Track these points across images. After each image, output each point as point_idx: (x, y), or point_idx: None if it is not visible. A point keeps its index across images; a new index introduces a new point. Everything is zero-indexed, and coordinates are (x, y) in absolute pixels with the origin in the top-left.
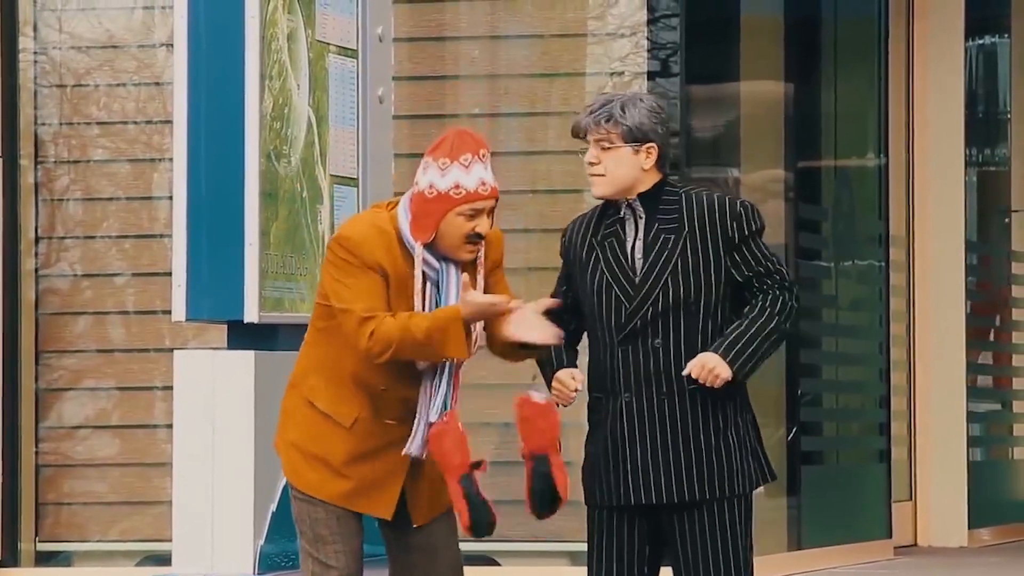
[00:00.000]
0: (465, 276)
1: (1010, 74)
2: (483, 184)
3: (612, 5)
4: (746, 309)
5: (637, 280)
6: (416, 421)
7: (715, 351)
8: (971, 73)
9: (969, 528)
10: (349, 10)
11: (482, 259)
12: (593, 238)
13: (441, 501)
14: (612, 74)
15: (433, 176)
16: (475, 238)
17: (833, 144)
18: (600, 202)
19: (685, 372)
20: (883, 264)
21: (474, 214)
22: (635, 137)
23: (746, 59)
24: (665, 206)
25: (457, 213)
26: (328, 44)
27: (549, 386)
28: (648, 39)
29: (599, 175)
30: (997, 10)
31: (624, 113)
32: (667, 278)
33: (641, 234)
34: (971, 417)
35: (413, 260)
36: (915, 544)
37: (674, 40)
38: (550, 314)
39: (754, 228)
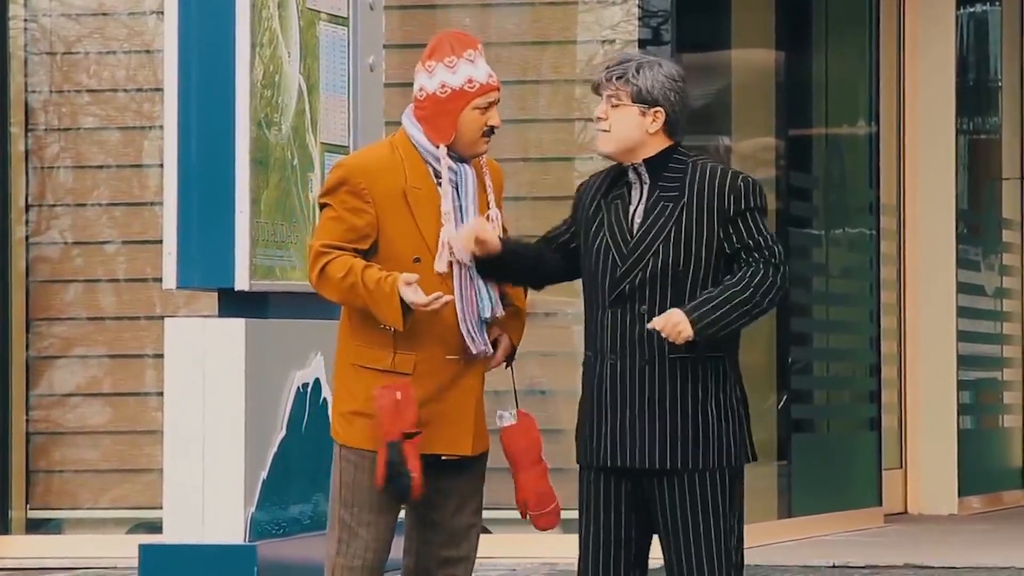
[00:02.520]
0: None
1: (1001, 42)
2: (491, 76)
3: None
4: (726, 276)
5: (631, 244)
6: (461, 322)
7: (682, 309)
8: (962, 41)
9: (959, 496)
10: None
11: (490, 186)
12: (603, 199)
13: (484, 437)
14: (603, 42)
15: (443, 75)
16: (490, 131)
17: (824, 112)
18: (615, 163)
19: (649, 325)
20: (874, 232)
21: (487, 106)
22: (643, 99)
23: (737, 27)
24: (670, 173)
25: (473, 107)
26: (319, 12)
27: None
28: (639, 7)
29: (604, 131)
30: None
31: (638, 74)
32: (659, 244)
33: (644, 199)
34: (961, 385)
35: (430, 171)
36: (905, 512)
37: (665, 8)
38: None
39: (752, 204)
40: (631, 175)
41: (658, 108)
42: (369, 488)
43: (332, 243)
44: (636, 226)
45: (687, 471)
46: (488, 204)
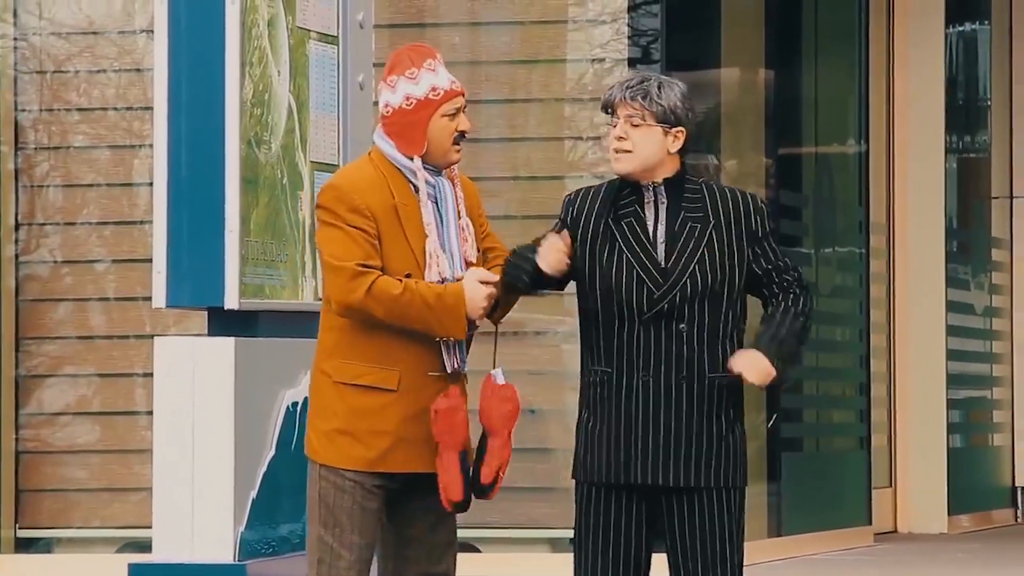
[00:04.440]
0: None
1: (990, 61)
2: (453, 82)
3: None
4: (770, 310)
5: (665, 266)
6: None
7: (758, 349)
8: (951, 60)
9: (949, 515)
10: None
11: (461, 197)
12: (608, 217)
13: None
14: (593, 61)
15: (406, 88)
16: (460, 137)
17: (814, 131)
18: (605, 179)
19: (736, 370)
20: (863, 251)
21: (455, 113)
22: (667, 119)
23: (727, 46)
24: (689, 195)
25: (441, 115)
26: (309, 31)
27: (528, 268)
28: (629, 25)
29: (626, 151)
30: None
31: (660, 93)
32: (695, 266)
33: (663, 219)
34: (951, 404)
35: (410, 186)
36: (895, 531)
37: (655, 27)
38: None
39: (771, 225)
40: (646, 194)
41: (680, 128)
42: (352, 509)
43: (365, 262)
44: (661, 247)
45: (711, 489)
46: (460, 215)
